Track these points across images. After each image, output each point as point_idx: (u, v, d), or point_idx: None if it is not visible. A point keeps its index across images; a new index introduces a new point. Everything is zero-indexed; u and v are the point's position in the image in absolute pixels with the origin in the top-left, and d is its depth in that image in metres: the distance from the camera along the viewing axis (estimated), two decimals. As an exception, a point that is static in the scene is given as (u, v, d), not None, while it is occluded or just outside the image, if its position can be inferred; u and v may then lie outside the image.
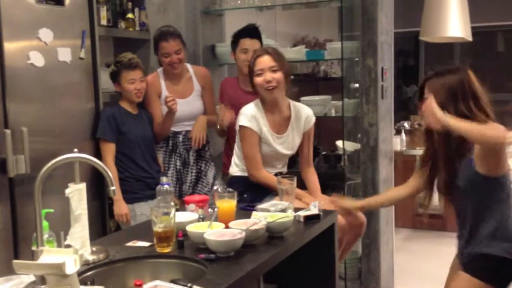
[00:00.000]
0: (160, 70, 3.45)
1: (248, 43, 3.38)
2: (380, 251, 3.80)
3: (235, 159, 2.98)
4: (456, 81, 2.28)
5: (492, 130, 2.11)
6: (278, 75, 2.80)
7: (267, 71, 2.79)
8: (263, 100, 2.88)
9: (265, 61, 2.81)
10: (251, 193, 2.82)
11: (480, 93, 2.28)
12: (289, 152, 2.97)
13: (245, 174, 2.90)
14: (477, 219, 2.28)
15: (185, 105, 3.37)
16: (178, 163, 3.41)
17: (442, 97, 2.25)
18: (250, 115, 2.83)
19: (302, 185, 2.95)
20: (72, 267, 1.26)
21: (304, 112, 2.99)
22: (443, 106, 2.22)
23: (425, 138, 2.44)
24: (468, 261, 2.31)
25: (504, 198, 2.27)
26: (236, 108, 3.13)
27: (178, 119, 3.35)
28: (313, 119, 3.01)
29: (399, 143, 5.26)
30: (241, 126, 2.85)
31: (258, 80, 2.81)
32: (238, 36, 3.44)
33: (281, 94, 2.88)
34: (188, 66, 3.51)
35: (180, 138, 3.41)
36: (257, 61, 2.83)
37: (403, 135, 5.49)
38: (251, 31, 3.44)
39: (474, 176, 2.22)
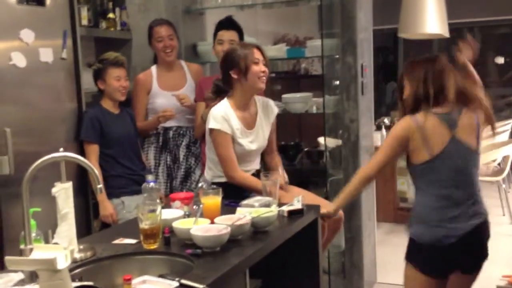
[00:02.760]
0: (153, 67, 3.54)
1: (223, 34, 3.39)
2: (363, 245, 3.86)
3: (208, 163, 2.90)
4: (427, 68, 2.37)
5: (359, 174, 2.52)
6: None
7: (261, 63, 2.82)
8: (233, 98, 2.84)
9: (258, 52, 2.84)
10: (229, 199, 2.67)
11: (449, 85, 2.34)
12: (261, 146, 2.94)
13: (221, 180, 2.81)
14: (415, 201, 2.46)
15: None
16: (168, 159, 3.46)
17: (408, 83, 2.38)
18: (219, 116, 2.75)
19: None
20: (63, 262, 1.29)
21: (269, 105, 3.01)
22: (415, 91, 2.35)
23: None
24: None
25: (425, 186, 2.39)
26: None
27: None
28: (276, 109, 3.06)
29: (379, 138, 5.33)
30: (211, 129, 2.77)
31: (255, 68, 2.79)
32: (215, 30, 3.47)
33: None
34: (182, 62, 3.61)
35: (171, 133, 3.47)
36: (253, 50, 2.82)
37: (384, 130, 5.57)
38: (226, 23, 3.46)
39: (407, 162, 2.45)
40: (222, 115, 2.76)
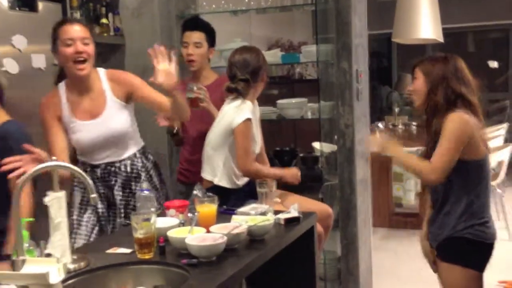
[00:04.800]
0: (60, 85, 2.63)
1: (188, 36, 3.19)
2: (359, 251, 3.83)
3: (220, 167, 2.81)
4: (447, 65, 2.39)
5: (420, 167, 2.39)
6: None
7: None
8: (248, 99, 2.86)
9: None
10: (230, 204, 2.67)
11: (470, 81, 2.39)
12: (259, 148, 2.99)
13: (228, 185, 2.81)
14: (450, 201, 2.37)
15: (98, 125, 2.58)
16: (99, 207, 2.65)
17: (433, 79, 2.38)
18: (251, 106, 2.81)
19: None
20: (56, 277, 1.26)
21: (256, 103, 3.07)
22: (432, 88, 2.37)
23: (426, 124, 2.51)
24: (442, 247, 2.39)
25: (476, 182, 2.36)
26: (196, 112, 3.00)
27: (92, 147, 2.61)
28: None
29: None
30: (246, 120, 2.73)
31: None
32: (181, 31, 3.28)
33: None
34: (101, 72, 2.64)
35: (99, 173, 2.65)
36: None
37: (378, 135, 5.55)
38: (191, 23, 3.28)
39: None
40: (250, 107, 2.83)
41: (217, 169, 2.83)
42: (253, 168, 2.79)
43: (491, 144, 5.33)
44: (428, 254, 2.55)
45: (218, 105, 3.00)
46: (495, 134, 6.13)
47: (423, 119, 2.52)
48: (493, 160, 5.77)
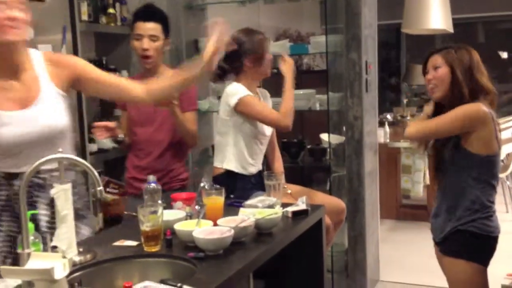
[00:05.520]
0: None
1: (140, 27, 2.81)
2: (366, 243, 3.81)
3: (229, 150, 2.83)
4: (472, 56, 2.37)
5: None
6: None
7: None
8: (242, 82, 2.83)
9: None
10: (237, 193, 2.72)
11: (485, 70, 2.38)
12: (270, 131, 2.97)
13: (236, 170, 2.83)
14: (457, 195, 2.35)
15: (28, 118, 1.97)
16: (13, 227, 1.97)
17: (459, 71, 2.33)
18: (243, 87, 2.78)
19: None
20: (61, 272, 1.24)
21: (267, 96, 3.06)
22: (458, 79, 2.32)
23: (435, 113, 2.46)
24: (446, 241, 2.36)
25: (485, 177, 2.33)
26: (144, 114, 2.87)
27: (18, 146, 1.95)
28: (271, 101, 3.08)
29: (382, 135, 5.29)
30: (241, 98, 2.73)
31: (269, 56, 2.88)
32: (132, 21, 2.88)
33: None
34: (36, 53, 2.08)
35: (17, 185, 1.94)
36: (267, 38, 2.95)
37: (387, 127, 5.52)
38: (142, 13, 2.87)
39: (460, 151, 2.31)
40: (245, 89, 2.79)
41: (225, 153, 2.85)
42: (287, 120, 2.80)
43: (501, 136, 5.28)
44: None
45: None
46: (505, 126, 6.08)
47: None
48: (503, 152, 5.74)
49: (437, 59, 2.39)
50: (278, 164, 3.11)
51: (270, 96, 3.08)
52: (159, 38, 2.82)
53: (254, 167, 2.88)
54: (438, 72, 2.38)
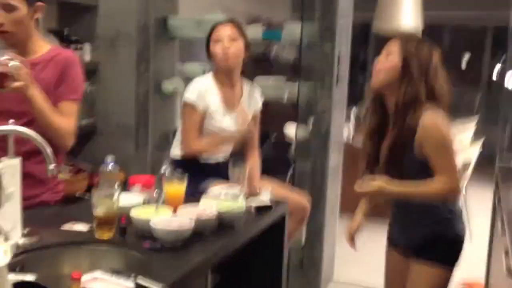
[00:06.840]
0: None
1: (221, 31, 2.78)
2: (324, 241, 3.74)
3: (177, 137, 2.83)
4: (430, 56, 2.12)
5: (434, 189, 2.09)
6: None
7: (226, 39, 2.70)
8: (216, 73, 2.76)
9: (224, 28, 2.72)
10: (193, 178, 2.60)
11: (443, 73, 2.16)
12: (229, 126, 2.80)
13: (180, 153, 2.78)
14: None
15: None
16: None
17: (414, 67, 2.09)
18: (196, 91, 2.68)
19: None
20: (2, 258, 1.10)
21: (255, 95, 2.91)
22: (412, 75, 2.08)
23: (373, 108, 2.23)
24: (416, 245, 2.26)
25: None
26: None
27: None
28: (260, 102, 2.95)
29: (347, 131, 5.24)
30: (185, 102, 2.69)
31: (214, 48, 2.70)
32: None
33: (238, 67, 2.77)
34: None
35: None
36: (216, 28, 2.74)
37: (351, 123, 5.48)
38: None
39: (414, 158, 2.12)
40: (200, 90, 2.69)
41: (178, 138, 2.80)
42: (198, 145, 2.71)
43: (460, 141, 5.26)
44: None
45: (51, 84, 2.17)
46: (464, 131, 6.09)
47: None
48: (460, 161, 5.74)
49: (394, 45, 2.15)
50: (252, 162, 2.93)
51: (261, 95, 2.96)
52: (18, 6, 2.11)
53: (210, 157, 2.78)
54: (389, 59, 2.13)
